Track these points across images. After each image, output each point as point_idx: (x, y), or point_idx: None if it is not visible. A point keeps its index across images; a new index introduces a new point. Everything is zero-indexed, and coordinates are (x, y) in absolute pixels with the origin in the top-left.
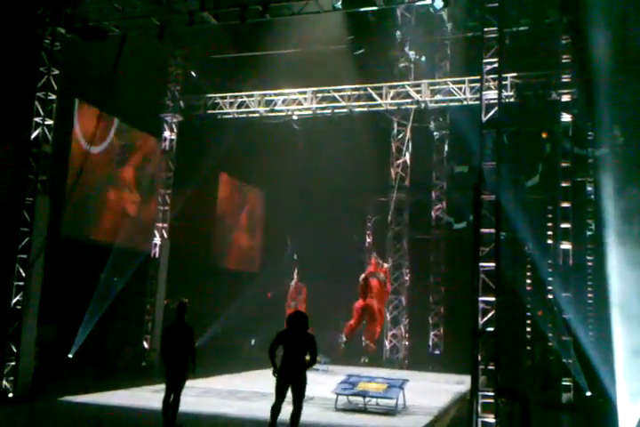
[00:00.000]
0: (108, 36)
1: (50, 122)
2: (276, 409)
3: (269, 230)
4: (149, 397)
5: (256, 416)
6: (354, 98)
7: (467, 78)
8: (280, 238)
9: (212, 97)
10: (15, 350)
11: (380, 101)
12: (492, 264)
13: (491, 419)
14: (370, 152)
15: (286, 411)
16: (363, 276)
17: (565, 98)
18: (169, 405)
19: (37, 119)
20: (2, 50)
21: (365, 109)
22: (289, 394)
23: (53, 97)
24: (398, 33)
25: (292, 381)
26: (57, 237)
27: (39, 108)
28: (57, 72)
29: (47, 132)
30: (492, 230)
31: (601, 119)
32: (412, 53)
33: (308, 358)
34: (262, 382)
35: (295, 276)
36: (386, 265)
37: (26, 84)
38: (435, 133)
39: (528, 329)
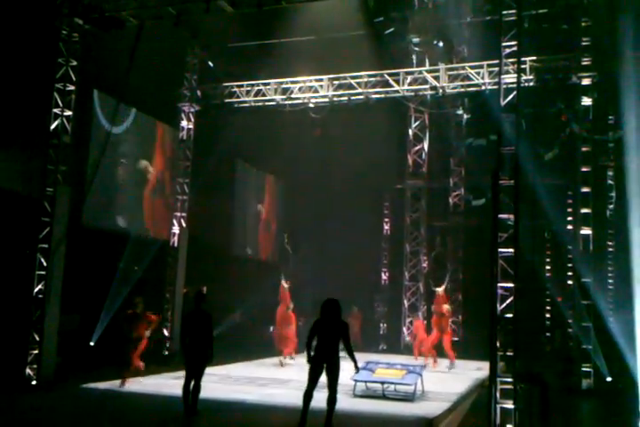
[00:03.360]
0: (125, 26)
1: (69, 113)
2: (308, 395)
3: (287, 218)
4: (170, 384)
5: (275, 403)
6: (370, 85)
7: (485, 63)
8: (297, 227)
9: (228, 86)
10: (38, 339)
11: (397, 88)
12: (511, 250)
13: (509, 405)
14: (387, 139)
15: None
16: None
17: (585, 81)
18: (189, 391)
19: (56, 110)
20: (20, 41)
21: (382, 96)
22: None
23: (72, 88)
24: (415, 18)
25: (326, 366)
26: (79, 226)
27: (58, 99)
28: (75, 63)
29: (66, 123)
30: (511, 216)
31: (622, 102)
32: (428, 39)
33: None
34: (281, 369)
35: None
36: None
37: (44, 75)
38: (453, 118)
39: (548, 315)
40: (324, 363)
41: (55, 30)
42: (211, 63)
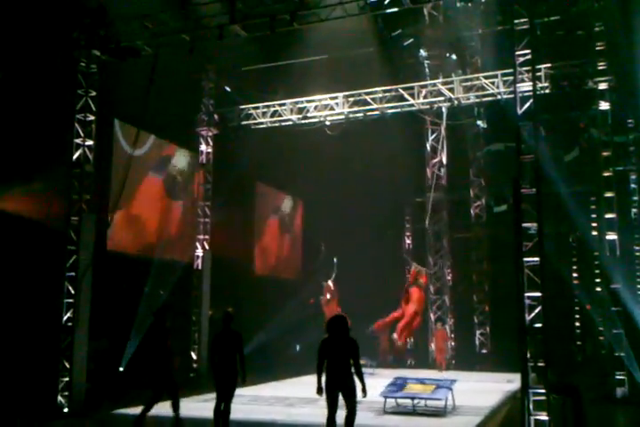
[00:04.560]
0: (141, 55)
1: (90, 142)
2: (330, 421)
3: (309, 237)
4: (200, 406)
5: (304, 422)
6: (385, 100)
7: (499, 72)
8: (319, 244)
9: (244, 108)
10: (68, 366)
11: (412, 101)
12: (537, 259)
13: (543, 416)
14: (405, 153)
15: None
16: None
17: (602, 86)
18: (220, 414)
19: (78, 140)
20: (40, 74)
21: (398, 110)
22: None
23: (92, 118)
24: (427, 32)
25: (340, 389)
26: (104, 252)
27: (79, 129)
28: (94, 93)
29: (88, 153)
30: (535, 224)
31: None
32: (441, 51)
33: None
34: (309, 388)
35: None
36: (424, 270)
37: (65, 106)
38: (470, 129)
39: (577, 324)
40: (338, 386)
41: (73, 62)
42: (228, 88)
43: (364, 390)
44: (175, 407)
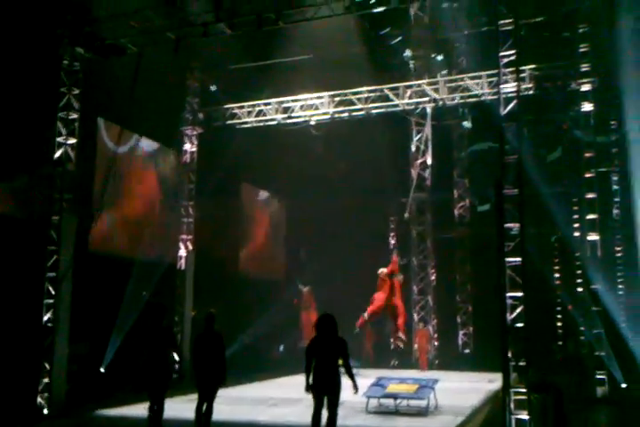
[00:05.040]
0: (126, 53)
1: (73, 141)
2: (316, 417)
3: (293, 237)
4: (182, 407)
5: (287, 422)
6: (371, 100)
7: (484, 73)
8: (303, 245)
9: (229, 107)
10: (48, 367)
11: (397, 102)
12: (518, 259)
13: (524, 416)
14: (389, 153)
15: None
16: (385, 271)
17: (585, 87)
18: (202, 414)
19: (60, 139)
20: (23, 71)
21: (383, 111)
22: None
23: (75, 116)
24: (412, 32)
25: (327, 388)
26: (86, 252)
27: (61, 127)
28: (77, 91)
29: (70, 151)
30: (517, 225)
31: (623, 106)
32: (426, 52)
33: (340, 362)
34: (292, 388)
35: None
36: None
37: (48, 104)
38: (455, 130)
39: (559, 324)
40: (325, 386)
41: (57, 60)
42: (213, 87)
43: (355, 387)
44: (208, 412)
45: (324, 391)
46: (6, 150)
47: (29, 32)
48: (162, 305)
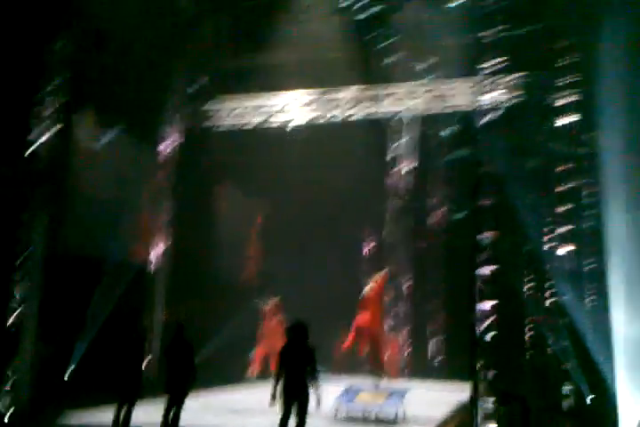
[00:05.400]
0: (109, 47)
1: (46, 137)
2: (283, 424)
3: (271, 242)
4: (149, 412)
5: None
6: (350, 105)
7: (464, 83)
8: (282, 250)
9: (209, 109)
10: (10, 374)
11: (375, 109)
12: (490, 269)
13: (493, 426)
14: (367, 160)
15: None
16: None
17: (563, 100)
18: (169, 421)
19: (33, 135)
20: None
21: (361, 117)
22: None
23: (50, 111)
24: (395, 38)
25: (295, 397)
26: (57, 253)
27: (35, 123)
28: (57, 82)
29: (43, 148)
30: (491, 234)
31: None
32: (409, 58)
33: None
34: (263, 396)
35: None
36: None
37: (23, 98)
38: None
39: (528, 335)
40: (293, 394)
41: (38, 51)
42: (195, 86)
43: (318, 401)
44: (175, 418)
45: (293, 399)
46: None
47: (9, 18)
48: (136, 309)
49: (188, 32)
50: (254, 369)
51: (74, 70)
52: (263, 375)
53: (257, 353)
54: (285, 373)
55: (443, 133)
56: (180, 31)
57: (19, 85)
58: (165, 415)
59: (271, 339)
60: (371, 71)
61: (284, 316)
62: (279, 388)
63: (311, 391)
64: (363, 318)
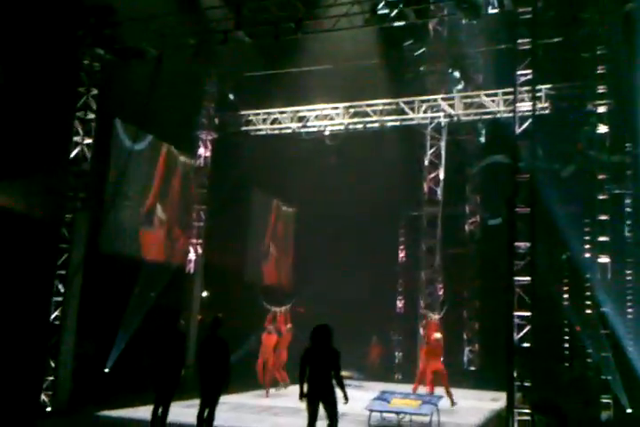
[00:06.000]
0: (146, 56)
1: (89, 141)
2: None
3: (302, 245)
4: (184, 412)
5: None
6: (386, 112)
7: (500, 91)
8: (312, 254)
9: (245, 114)
10: (53, 365)
11: (412, 115)
12: (528, 278)
13: None
14: (402, 166)
15: None
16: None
17: (601, 109)
18: (203, 420)
19: (77, 138)
20: (43, 71)
21: (398, 124)
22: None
23: (92, 116)
24: (426, 49)
25: (322, 399)
26: (96, 251)
27: (78, 127)
28: (96, 92)
29: (86, 151)
30: (527, 244)
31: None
32: (443, 67)
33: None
34: (294, 397)
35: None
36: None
37: (66, 104)
38: (469, 145)
39: (566, 345)
40: (319, 396)
41: (77, 60)
42: (231, 95)
43: (345, 397)
44: (209, 418)
45: (318, 401)
46: (23, 149)
47: (51, 32)
48: (175, 310)
49: (222, 41)
50: (260, 378)
51: (113, 79)
52: (275, 384)
53: (258, 363)
54: (310, 374)
55: (478, 141)
56: (214, 40)
57: (62, 93)
58: (199, 415)
59: (266, 348)
60: (406, 79)
61: (293, 325)
62: (305, 389)
63: (337, 391)
64: (436, 365)
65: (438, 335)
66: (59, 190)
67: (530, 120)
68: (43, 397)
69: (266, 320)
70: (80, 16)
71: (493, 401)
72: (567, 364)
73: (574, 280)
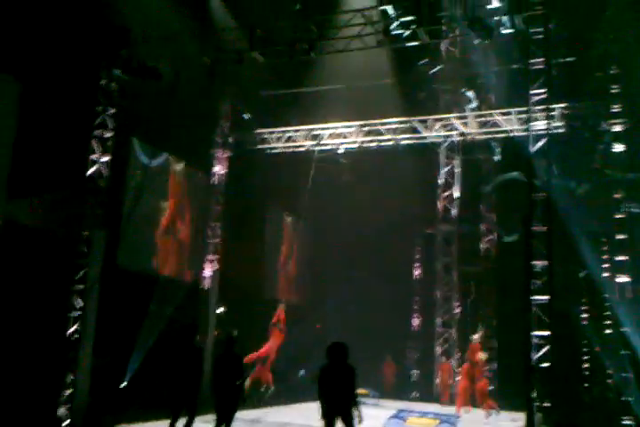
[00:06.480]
0: (162, 76)
1: (105, 159)
2: None
3: (317, 262)
4: None
5: None
6: (399, 131)
7: (513, 109)
8: (326, 271)
9: (260, 132)
10: (72, 379)
11: (425, 134)
12: (546, 297)
13: None
14: (417, 185)
15: None
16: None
17: (617, 127)
18: None
19: (94, 156)
20: (61, 89)
21: (411, 142)
22: None
23: (109, 135)
24: (442, 66)
25: (339, 415)
26: (113, 267)
27: (95, 145)
28: (113, 111)
29: (103, 169)
30: (545, 262)
31: None
32: (456, 86)
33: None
34: (310, 414)
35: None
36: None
37: (84, 123)
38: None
39: (585, 365)
40: (337, 413)
41: (95, 80)
42: (246, 115)
43: (359, 417)
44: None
45: (336, 417)
46: (42, 166)
47: (69, 53)
48: (193, 325)
49: (236, 61)
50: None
51: (130, 98)
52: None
53: (259, 353)
54: (327, 391)
55: (492, 159)
56: (229, 60)
57: (80, 112)
58: None
59: (274, 345)
60: (419, 98)
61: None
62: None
63: (373, 406)
64: (479, 384)
65: (483, 356)
66: (76, 207)
67: (545, 139)
68: (61, 410)
69: (274, 317)
70: (97, 37)
71: (512, 422)
72: (587, 384)
73: (593, 299)
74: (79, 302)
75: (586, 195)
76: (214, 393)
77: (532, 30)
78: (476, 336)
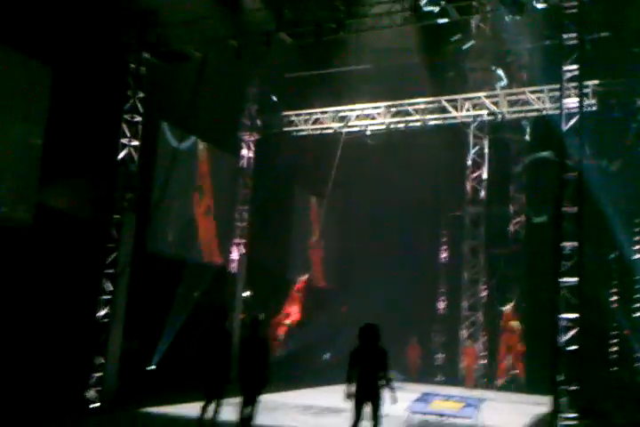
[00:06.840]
0: (190, 59)
1: (136, 142)
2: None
3: (344, 245)
4: (226, 410)
5: None
6: (428, 111)
7: (545, 87)
8: (353, 254)
9: (287, 115)
10: (102, 362)
11: (454, 114)
12: (575, 279)
13: None
14: (445, 165)
15: None
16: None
17: None
18: (244, 419)
19: (124, 140)
20: (91, 74)
21: (440, 122)
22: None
23: (139, 119)
24: (473, 43)
25: (368, 398)
26: (143, 250)
27: (126, 129)
28: (142, 95)
29: (133, 153)
30: (575, 244)
31: None
32: (487, 64)
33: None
34: (335, 397)
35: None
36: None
37: (113, 106)
38: (514, 144)
39: (614, 348)
40: (366, 397)
41: (124, 64)
42: (274, 97)
43: (394, 400)
44: (251, 416)
45: (365, 401)
46: (72, 151)
47: (99, 38)
48: (223, 307)
49: (264, 43)
50: None
51: (159, 82)
52: None
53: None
54: (358, 374)
55: (523, 139)
56: (256, 42)
57: (109, 96)
58: (241, 414)
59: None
60: (448, 77)
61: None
62: (352, 389)
63: (385, 391)
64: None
65: (515, 324)
66: (107, 191)
67: (577, 117)
68: (90, 393)
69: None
70: (125, 21)
71: (536, 405)
72: (615, 368)
73: (623, 281)
74: (109, 286)
75: (618, 172)
76: (240, 376)
77: (565, 4)
78: (507, 307)
